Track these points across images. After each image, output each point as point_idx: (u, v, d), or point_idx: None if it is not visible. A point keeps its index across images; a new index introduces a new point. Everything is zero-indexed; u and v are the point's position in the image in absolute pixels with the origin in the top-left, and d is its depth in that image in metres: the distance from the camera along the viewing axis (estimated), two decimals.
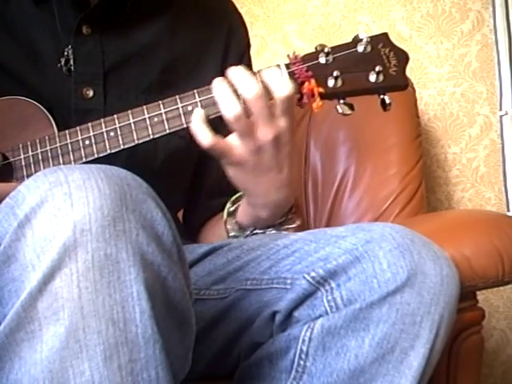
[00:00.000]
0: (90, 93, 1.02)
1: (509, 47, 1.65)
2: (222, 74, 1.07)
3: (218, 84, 0.91)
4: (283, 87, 0.90)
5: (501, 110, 1.67)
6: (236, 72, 0.91)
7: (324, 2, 1.70)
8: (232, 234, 1.04)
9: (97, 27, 1.02)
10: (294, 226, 1.03)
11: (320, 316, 0.86)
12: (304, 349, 0.85)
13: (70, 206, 0.67)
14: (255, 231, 1.02)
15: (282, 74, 0.91)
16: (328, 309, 0.86)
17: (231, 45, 1.13)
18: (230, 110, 0.89)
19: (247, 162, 0.93)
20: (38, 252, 0.66)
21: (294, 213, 1.03)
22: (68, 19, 1.01)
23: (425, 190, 1.53)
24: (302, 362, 0.86)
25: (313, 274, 0.87)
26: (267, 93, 0.90)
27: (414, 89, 1.57)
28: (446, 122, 1.71)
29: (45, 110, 0.97)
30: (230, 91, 0.90)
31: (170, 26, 1.09)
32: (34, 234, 0.67)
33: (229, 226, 1.04)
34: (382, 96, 0.93)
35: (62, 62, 1.01)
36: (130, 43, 1.06)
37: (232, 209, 1.04)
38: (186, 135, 0.94)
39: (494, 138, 1.71)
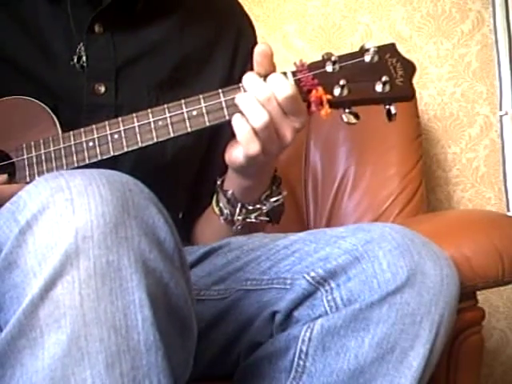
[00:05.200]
0: (102, 89, 1.02)
1: (509, 47, 1.64)
2: (231, 74, 1.09)
3: (241, 97, 0.90)
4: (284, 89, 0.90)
5: (501, 109, 1.67)
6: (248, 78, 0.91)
7: (324, 1, 1.70)
8: (225, 211, 1.02)
9: (109, 26, 1.03)
10: (281, 196, 1.02)
11: (320, 316, 0.86)
12: (304, 349, 0.86)
13: (71, 212, 0.67)
14: (245, 207, 1.01)
15: (288, 81, 0.91)
16: (328, 309, 0.86)
17: (240, 45, 1.13)
18: (256, 119, 0.89)
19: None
20: (39, 259, 0.66)
21: (279, 184, 1.03)
22: (81, 18, 1.02)
23: (425, 190, 1.53)
24: (301, 362, 0.86)
25: (313, 274, 0.87)
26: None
27: None
28: (446, 122, 1.71)
29: (49, 111, 0.97)
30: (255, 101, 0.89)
31: (180, 25, 1.09)
32: (36, 240, 0.67)
33: (221, 204, 1.03)
34: (387, 106, 0.93)
35: (75, 60, 1.02)
36: (142, 41, 1.06)
37: (219, 182, 1.03)
38: (195, 133, 0.94)
39: (493, 138, 1.71)
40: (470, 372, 1.10)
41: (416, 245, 0.86)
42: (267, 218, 1.04)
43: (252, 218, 1.02)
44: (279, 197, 1.02)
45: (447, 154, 1.72)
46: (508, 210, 1.67)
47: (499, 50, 1.65)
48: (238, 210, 1.01)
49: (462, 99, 1.71)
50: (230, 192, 1.01)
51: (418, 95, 1.59)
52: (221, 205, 1.03)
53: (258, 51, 0.91)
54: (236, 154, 0.94)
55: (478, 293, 1.10)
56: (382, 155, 1.51)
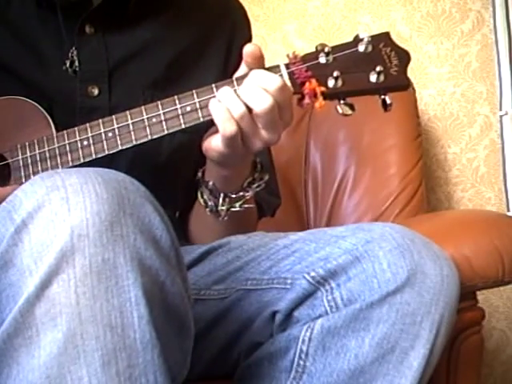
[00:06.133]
0: (95, 91, 1.02)
1: (509, 47, 1.64)
2: (226, 69, 1.08)
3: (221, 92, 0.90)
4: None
5: (501, 110, 1.67)
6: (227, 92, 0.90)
7: (324, 2, 1.70)
8: (210, 203, 1.01)
9: (99, 26, 1.03)
10: (262, 181, 1.01)
11: (320, 316, 0.86)
12: (304, 349, 0.85)
13: (67, 210, 0.67)
14: (228, 196, 1.00)
15: (282, 74, 0.91)
16: (328, 309, 0.86)
17: (235, 39, 1.12)
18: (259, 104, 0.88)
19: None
20: (35, 257, 0.66)
21: (261, 170, 1.02)
22: (71, 19, 1.01)
23: (425, 190, 1.53)
24: (301, 362, 0.86)
25: (313, 273, 0.87)
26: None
27: (414, 89, 1.57)
28: (446, 121, 1.71)
29: (43, 111, 0.97)
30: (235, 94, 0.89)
31: (173, 22, 1.09)
32: (31, 239, 0.67)
33: (205, 196, 1.02)
34: (382, 96, 0.92)
35: (68, 64, 1.01)
36: (134, 40, 1.06)
37: (200, 173, 1.03)
38: (190, 131, 0.94)
39: (493, 138, 1.71)
40: (470, 372, 1.10)
41: (416, 245, 0.86)
42: (252, 205, 1.03)
43: (237, 207, 1.00)
44: (261, 182, 1.01)
45: (447, 154, 1.72)
46: (508, 210, 1.67)
47: (499, 50, 1.65)
48: (221, 200, 1.00)
49: (462, 99, 1.71)
50: (210, 183, 1.00)
51: (418, 95, 1.59)
52: (205, 197, 1.02)
53: (246, 52, 0.90)
54: (215, 141, 0.92)
55: (478, 293, 1.10)
56: (382, 155, 1.51)
